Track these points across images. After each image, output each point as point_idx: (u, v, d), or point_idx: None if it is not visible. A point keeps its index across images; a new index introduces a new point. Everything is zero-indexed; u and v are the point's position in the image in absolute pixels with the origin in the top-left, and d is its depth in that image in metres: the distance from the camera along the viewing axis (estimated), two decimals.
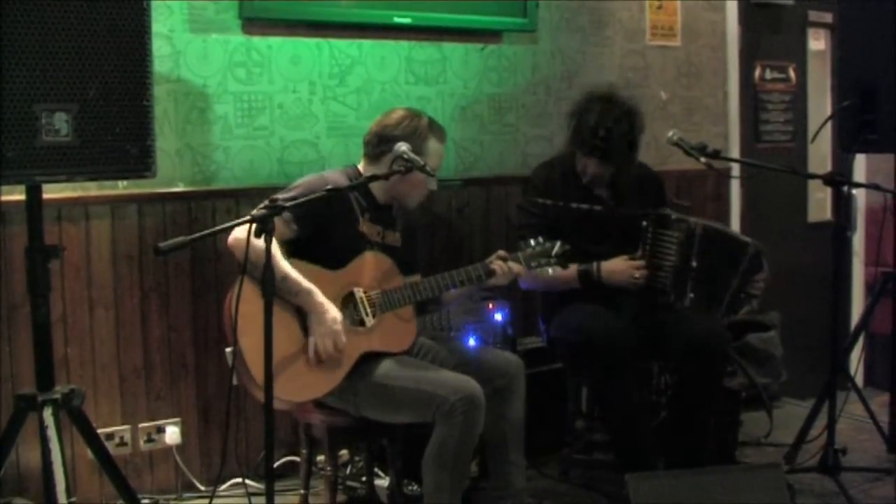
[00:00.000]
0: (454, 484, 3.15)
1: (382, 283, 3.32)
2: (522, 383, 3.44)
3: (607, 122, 3.73)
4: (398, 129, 3.38)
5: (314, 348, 3.14)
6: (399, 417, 3.23)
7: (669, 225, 3.77)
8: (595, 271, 3.75)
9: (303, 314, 3.18)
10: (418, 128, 3.39)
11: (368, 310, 3.29)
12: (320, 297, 3.16)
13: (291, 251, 3.22)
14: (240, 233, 3.07)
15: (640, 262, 3.75)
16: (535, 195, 3.85)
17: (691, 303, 3.75)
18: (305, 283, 3.15)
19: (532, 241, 3.42)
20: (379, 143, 3.40)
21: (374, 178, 3.22)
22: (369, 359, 3.25)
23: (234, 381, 3.02)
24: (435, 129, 3.45)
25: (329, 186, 3.09)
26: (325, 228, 3.27)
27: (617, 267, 3.75)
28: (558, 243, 3.40)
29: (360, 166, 3.49)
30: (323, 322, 3.14)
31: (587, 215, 3.80)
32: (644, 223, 3.79)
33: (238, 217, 3.18)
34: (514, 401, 3.40)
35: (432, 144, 3.42)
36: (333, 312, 3.17)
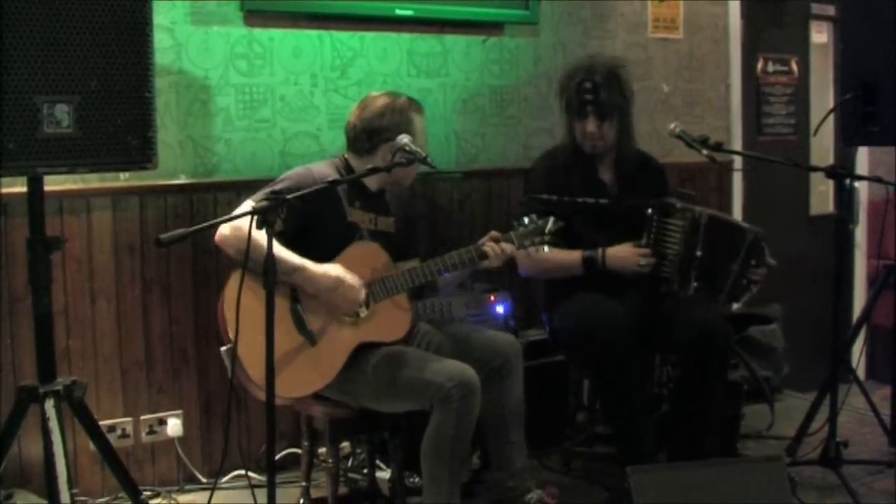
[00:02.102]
0: (453, 471, 3.16)
1: (374, 273, 3.31)
2: (520, 364, 3.45)
3: (592, 77, 3.78)
4: (384, 119, 3.37)
5: (341, 311, 3.19)
6: (397, 406, 3.23)
7: (674, 214, 3.77)
8: (600, 257, 3.75)
9: (295, 309, 3.17)
10: (403, 113, 3.39)
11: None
12: (313, 267, 3.15)
13: (282, 244, 3.20)
14: (226, 230, 3.07)
15: (647, 250, 3.74)
16: (537, 186, 3.84)
17: (695, 292, 3.74)
18: (297, 260, 3.14)
19: (525, 220, 3.39)
20: (369, 138, 3.39)
21: (375, 170, 3.19)
22: (365, 349, 3.25)
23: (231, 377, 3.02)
24: (415, 106, 3.46)
25: (317, 179, 3.12)
26: (312, 221, 3.26)
27: (622, 253, 3.75)
28: (551, 220, 3.37)
29: (349, 158, 3.48)
30: (329, 287, 3.16)
31: (592, 207, 3.79)
32: (649, 211, 3.78)
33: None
34: (512, 381, 3.41)
35: (417, 123, 3.42)
36: (332, 271, 3.17)
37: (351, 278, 3.19)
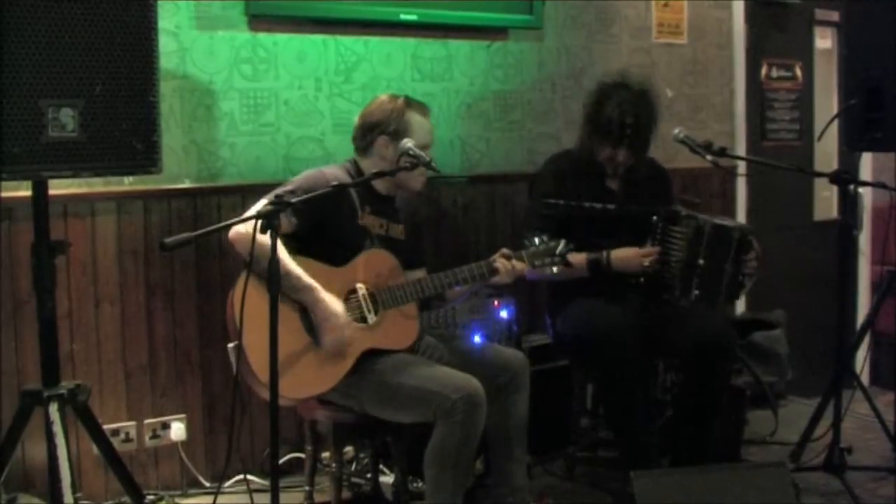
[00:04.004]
0: (455, 483, 3.15)
1: (385, 280, 3.32)
2: (527, 381, 3.43)
3: (633, 109, 3.76)
4: (377, 115, 3.39)
5: (322, 345, 3.15)
6: (401, 416, 3.22)
7: (679, 221, 3.77)
8: (605, 259, 3.75)
9: (306, 310, 3.18)
10: (395, 107, 3.39)
11: (371, 306, 3.29)
12: (322, 293, 3.16)
13: (294, 248, 3.21)
14: (242, 227, 3.08)
15: (650, 249, 3.75)
16: (545, 190, 3.84)
17: (696, 299, 3.74)
18: (307, 280, 3.14)
19: (536, 240, 3.41)
20: (364, 135, 3.42)
21: (380, 174, 3.22)
22: (372, 356, 3.25)
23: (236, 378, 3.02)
24: (414, 104, 3.45)
25: (330, 182, 3.12)
26: (325, 224, 3.27)
27: (626, 254, 3.75)
28: (562, 242, 3.40)
29: (356, 159, 3.49)
30: (327, 318, 3.14)
31: (599, 212, 3.79)
32: (654, 218, 3.79)
33: (243, 213, 3.18)
34: (518, 398, 3.40)
35: (415, 118, 3.40)
36: (335, 307, 3.16)
37: (346, 324, 3.18)
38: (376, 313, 3.29)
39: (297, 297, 3.15)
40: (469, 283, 3.36)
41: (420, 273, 3.46)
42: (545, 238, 3.42)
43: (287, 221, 3.16)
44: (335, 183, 3.09)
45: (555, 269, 3.40)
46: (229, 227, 2.94)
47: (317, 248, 3.24)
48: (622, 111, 3.75)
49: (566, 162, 3.98)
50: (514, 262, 3.36)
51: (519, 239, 3.48)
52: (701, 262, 3.72)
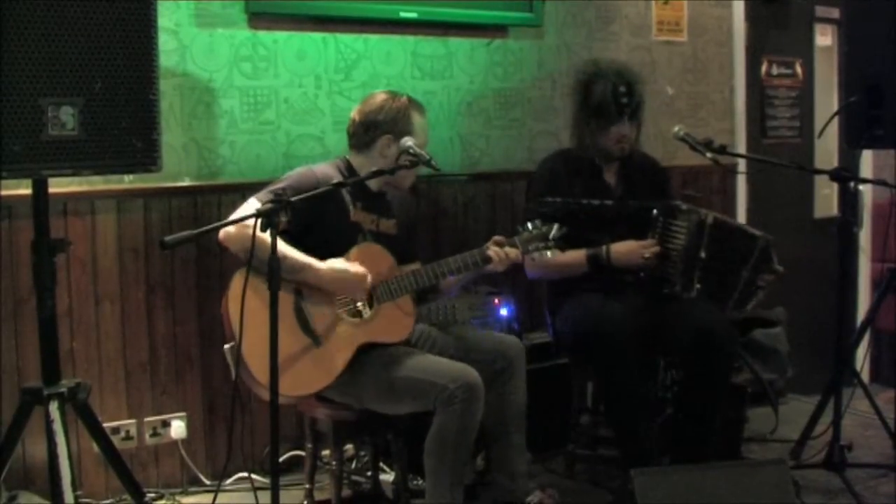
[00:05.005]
0: (454, 473, 3.15)
1: (379, 275, 3.32)
2: (523, 366, 3.45)
3: (623, 81, 3.82)
4: (381, 113, 3.39)
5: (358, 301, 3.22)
6: (400, 408, 3.23)
7: (679, 215, 3.77)
8: (604, 254, 3.75)
9: (300, 308, 3.18)
10: (401, 109, 3.40)
11: (365, 301, 3.29)
12: (318, 264, 3.16)
13: (286, 243, 3.20)
14: (231, 228, 3.07)
15: (650, 242, 3.74)
16: (541, 190, 3.84)
17: (698, 294, 3.74)
18: (303, 259, 3.15)
19: (529, 225, 3.40)
20: (366, 132, 3.41)
21: (379, 172, 3.22)
22: (368, 350, 3.25)
23: (236, 377, 3.02)
24: (415, 104, 3.47)
25: (320, 180, 3.14)
26: (315, 221, 3.26)
27: (626, 248, 3.74)
28: (555, 226, 3.38)
29: (350, 157, 3.49)
30: (336, 280, 3.17)
31: (597, 209, 3.79)
32: (654, 212, 3.78)
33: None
34: (514, 383, 3.41)
35: (417, 120, 3.43)
36: (337, 265, 3.19)
37: (355, 266, 3.21)
38: (371, 307, 3.29)
39: (299, 279, 3.15)
40: (463, 271, 3.35)
41: (413, 267, 3.45)
42: (538, 223, 3.41)
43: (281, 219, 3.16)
44: (332, 180, 3.09)
45: (549, 254, 3.38)
46: (230, 224, 2.94)
47: (309, 245, 3.23)
48: (613, 85, 3.80)
49: (561, 161, 3.98)
50: (507, 248, 3.35)
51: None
52: (703, 255, 3.71)
